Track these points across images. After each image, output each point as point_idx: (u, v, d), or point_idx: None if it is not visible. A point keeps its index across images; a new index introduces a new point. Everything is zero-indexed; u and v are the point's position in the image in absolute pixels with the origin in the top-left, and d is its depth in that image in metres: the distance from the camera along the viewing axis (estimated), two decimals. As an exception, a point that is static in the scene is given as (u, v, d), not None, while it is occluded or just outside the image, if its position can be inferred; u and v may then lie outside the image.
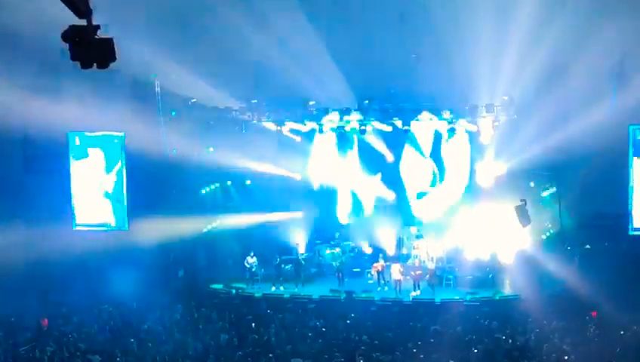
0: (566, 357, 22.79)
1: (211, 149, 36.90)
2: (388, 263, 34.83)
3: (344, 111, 36.54)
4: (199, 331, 27.00)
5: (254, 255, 35.52)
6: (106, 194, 34.32)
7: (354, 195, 39.26)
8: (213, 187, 38.73)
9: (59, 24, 12.40)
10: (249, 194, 38.72)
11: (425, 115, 35.85)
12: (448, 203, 37.55)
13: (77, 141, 34.27)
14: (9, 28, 29.06)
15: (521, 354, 23.36)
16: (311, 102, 36.44)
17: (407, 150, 37.86)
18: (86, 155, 34.26)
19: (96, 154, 34.16)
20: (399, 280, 33.63)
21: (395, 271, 33.73)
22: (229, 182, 39.05)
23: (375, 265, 35.10)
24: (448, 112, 35.49)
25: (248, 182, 38.90)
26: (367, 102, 36.09)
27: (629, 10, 28.33)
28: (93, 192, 34.38)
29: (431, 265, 34.77)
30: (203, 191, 38.01)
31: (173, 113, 35.60)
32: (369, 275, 35.79)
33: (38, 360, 24.28)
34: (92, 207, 34.49)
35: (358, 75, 34.08)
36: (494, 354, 23.58)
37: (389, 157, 38.29)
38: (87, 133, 34.24)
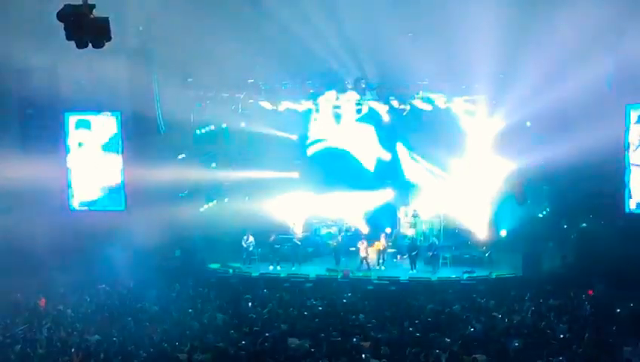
0: (562, 336, 22.82)
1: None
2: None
3: (340, 91, 36.52)
4: (196, 310, 27.00)
5: (252, 234, 35.60)
6: (104, 175, 34.29)
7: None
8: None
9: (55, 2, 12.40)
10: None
11: (421, 94, 35.86)
12: (445, 182, 37.53)
13: (74, 121, 34.20)
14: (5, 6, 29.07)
15: (518, 332, 23.39)
16: (307, 82, 36.42)
17: (406, 127, 37.81)
18: (83, 135, 34.20)
19: (92, 134, 34.11)
20: (365, 257, 34.32)
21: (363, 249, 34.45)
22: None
23: (376, 243, 35.26)
24: (443, 94, 35.54)
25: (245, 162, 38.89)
26: (363, 81, 36.05)
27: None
28: (90, 173, 34.36)
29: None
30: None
31: None
32: (364, 254, 35.90)
33: (36, 340, 24.26)
34: (89, 187, 34.47)
35: (354, 55, 34.02)
36: (491, 332, 23.61)
37: (386, 135, 38.27)
38: (83, 113, 34.17)
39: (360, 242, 34.90)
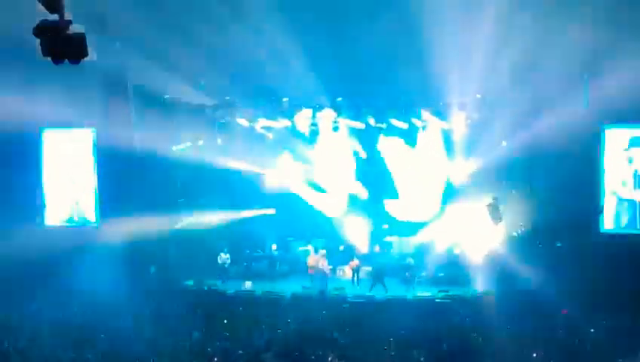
0: (535, 355, 22.88)
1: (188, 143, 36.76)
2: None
3: (317, 109, 36.60)
4: (171, 327, 26.87)
5: (227, 251, 35.55)
6: (77, 191, 34.14)
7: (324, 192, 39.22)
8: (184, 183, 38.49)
9: (31, 18, 12.32)
10: (222, 189, 38.53)
11: (398, 113, 35.99)
12: (421, 200, 37.57)
13: (49, 137, 34.07)
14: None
15: (492, 350, 23.42)
16: (284, 99, 36.46)
17: (381, 147, 37.85)
18: (57, 151, 34.08)
19: (67, 151, 33.98)
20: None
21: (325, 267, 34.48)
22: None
23: (350, 263, 35.26)
24: (421, 110, 35.63)
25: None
26: (339, 99, 36.15)
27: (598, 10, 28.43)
28: (64, 188, 34.22)
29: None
30: (175, 188, 37.76)
31: None
32: (340, 273, 35.89)
33: (10, 355, 24.06)
34: (63, 203, 34.32)
35: (331, 73, 34.07)
36: (465, 350, 23.63)
37: (362, 154, 38.25)
38: (58, 129, 34.05)
39: (322, 260, 34.76)
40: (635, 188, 30.87)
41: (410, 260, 35.28)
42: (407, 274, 34.25)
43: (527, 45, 30.01)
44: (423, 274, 34.89)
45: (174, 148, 36.72)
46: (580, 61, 29.94)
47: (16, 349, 24.74)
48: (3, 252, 31.03)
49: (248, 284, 34.63)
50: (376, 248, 37.71)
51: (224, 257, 35.66)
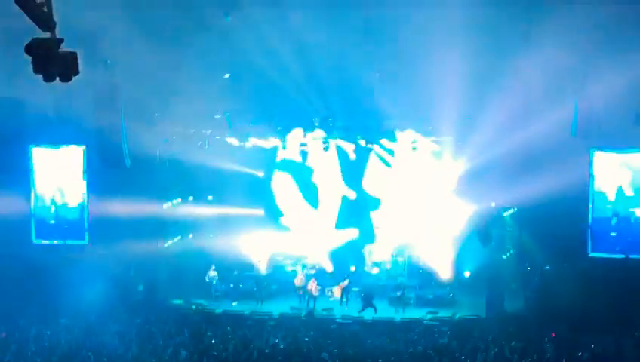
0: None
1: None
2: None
3: (307, 129, 36.69)
4: (158, 346, 26.78)
5: (215, 269, 35.56)
6: (67, 208, 34.07)
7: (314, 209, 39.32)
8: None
9: (23, 35, 12.34)
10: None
11: (388, 134, 36.14)
12: (409, 221, 37.63)
13: (39, 154, 34.03)
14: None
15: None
16: (274, 119, 36.54)
17: (370, 167, 37.97)
18: (47, 168, 34.02)
19: (57, 168, 33.93)
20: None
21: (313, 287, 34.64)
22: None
23: (340, 283, 35.29)
24: (411, 131, 35.76)
25: (210, 197, 38.79)
26: (330, 120, 36.24)
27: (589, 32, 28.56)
28: (53, 206, 34.13)
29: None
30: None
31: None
32: (328, 293, 35.86)
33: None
34: (52, 220, 34.23)
35: (322, 93, 34.16)
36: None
37: (352, 174, 38.35)
38: (48, 147, 34.03)
39: (311, 280, 34.88)
40: (623, 209, 30.94)
41: (402, 279, 35.33)
42: (398, 293, 34.25)
43: (514, 68, 30.17)
44: (412, 295, 34.87)
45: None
46: (568, 84, 30.10)
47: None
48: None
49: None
50: (352, 268, 37.62)
51: (212, 274, 35.64)
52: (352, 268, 37.38)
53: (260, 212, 39.07)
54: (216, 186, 38.34)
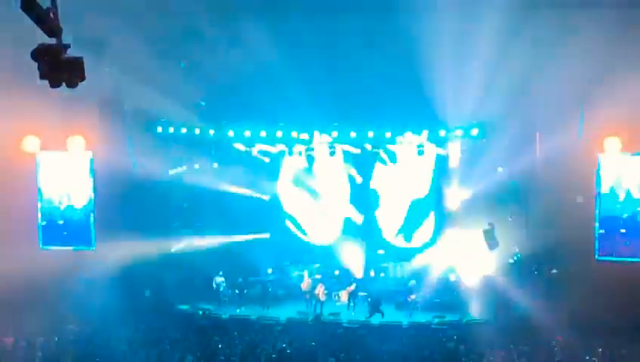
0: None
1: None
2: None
3: (313, 134, 36.67)
4: (165, 351, 26.79)
5: (222, 274, 35.54)
6: (74, 214, 34.07)
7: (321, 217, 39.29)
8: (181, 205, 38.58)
9: (29, 41, 12.34)
10: (217, 213, 38.49)
11: (394, 139, 36.10)
12: (416, 226, 37.63)
13: (46, 161, 34.05)
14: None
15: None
16: (280, 125, 36.50)
17: (377, 173, 38.00)
18: (55, 175, 34.03)
19: (65, 174, 33.93)
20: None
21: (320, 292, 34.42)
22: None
23: (347, 288, 35.28)
24: (417, 136, 35.70)
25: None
26: (336, 125, 36.21)
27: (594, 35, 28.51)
28: (60, 211, 34.15)
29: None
30: (170, 211, 37.82)
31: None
32: (335, 298, 35.80)
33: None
34: (60, 226, 34.24)
35: (328, 98, 34.13)
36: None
37: (358, 179, 38.35)
38: (55, 153, 34.04)
39: (318, 285, 34.81)
40: (632, 211, 30.81)
41: (413, 282, 35.32)
42: (409, 297, 34.25)
43: (523, 71, 30.13)
44: (419, 299, 34.79)
45: (170, 171, 36.85)
46: (577, 89, 30.03)
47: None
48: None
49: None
50: (371, 273, 37.64)
51: (219, 280, 35.61)
52: (359, 274, 37.26)
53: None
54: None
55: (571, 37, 28.88)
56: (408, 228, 37.95)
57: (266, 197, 39.31)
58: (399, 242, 38.18)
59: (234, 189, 37.79)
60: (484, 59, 29.72)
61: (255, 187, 38.73)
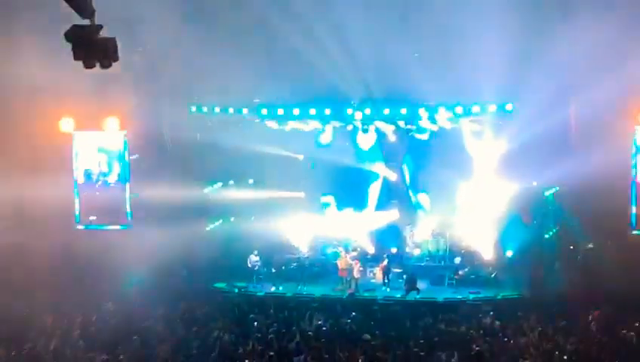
0: (565, 357, 22.74)
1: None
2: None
3: (346, 111, 36.63)
4: (202, 329, 26.96)
5: (257, 253, 35.65)
6: (110, 193, 34.34)
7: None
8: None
9: (64, 23, 12.43)
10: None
11: (426, 114, 35.99)
12: (450, 202, 37.57)
13: (81, 140, 34.31)
14: (14, 27, 29.22)
15: (523, 353, 23.31)
16: (314, 102, 36.49)
17: (410, 148, 37.96)
18: (91, 154, 34.31)
19: (100, 153, 34.20)
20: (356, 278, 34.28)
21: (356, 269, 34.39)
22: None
23: (381, 264, 35.29)
24: (451, 111, 35.56)
25: (251, 181, 39.02)
26: (370, 102, 36.15)
27: None
28: (96, 190, 34.43)
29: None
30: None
31: None
32: (371, 274, 35.82)
33: (42, 359, 24.21)
34: (96, 205, 34.52)
35: (361, 75, 34.06)
36: (497, 353, 23.54)
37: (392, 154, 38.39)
38: (90, 133, 34.30)
39: (354, 262, 34.79)
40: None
41: (458, 260, 35.40)
42: (456, 274, 34.52)
43: (556, 46, 29.92)
44: (456, 276, 34.83)
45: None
46: (613, 60, 29.71)
47: (49, 350, 24.90)
48: (37, 252, 31.38)
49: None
50: (393, 250, 37.58)
51: (254, 259, 35.69)
52: (394, 250, 37.29)
53: (300, 195, 39.19)
54: (256, 170, 38.43)
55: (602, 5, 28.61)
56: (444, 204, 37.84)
57: (300, 157, 39.60)
58: (434, 217, 38.04)
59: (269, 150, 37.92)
60: (515, 32, 29.47)
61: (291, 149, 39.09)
